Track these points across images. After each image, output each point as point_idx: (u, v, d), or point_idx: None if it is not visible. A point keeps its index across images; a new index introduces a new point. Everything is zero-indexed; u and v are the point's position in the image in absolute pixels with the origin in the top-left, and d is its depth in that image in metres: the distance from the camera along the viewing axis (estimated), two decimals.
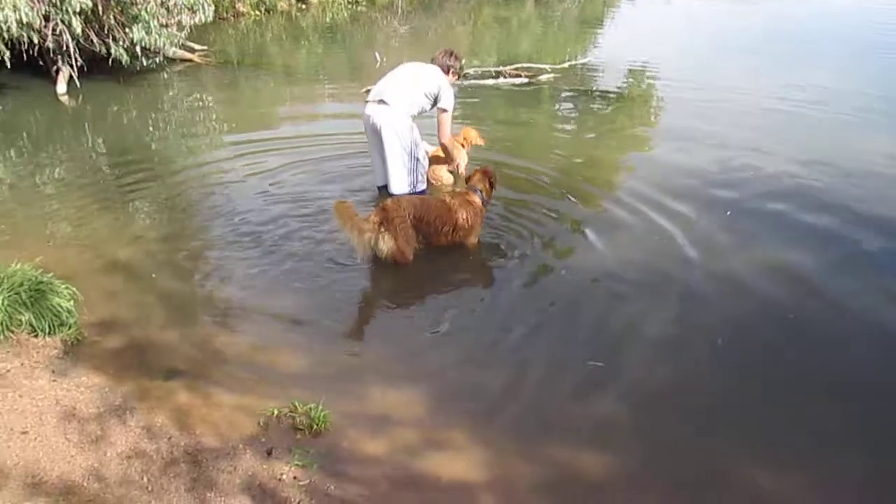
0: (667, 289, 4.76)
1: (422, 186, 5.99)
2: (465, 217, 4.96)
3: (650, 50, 13.51)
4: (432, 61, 6.03)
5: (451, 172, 6.35)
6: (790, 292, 4.74)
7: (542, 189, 6.39)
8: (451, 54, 6.06)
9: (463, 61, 6.18)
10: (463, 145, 6.41)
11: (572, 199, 6.19)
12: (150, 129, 8.51)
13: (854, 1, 21.99)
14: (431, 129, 6.23)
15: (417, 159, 5.85)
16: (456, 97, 6.10)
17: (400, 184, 5.85)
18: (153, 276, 4.80)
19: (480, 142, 6.63)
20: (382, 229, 4.64)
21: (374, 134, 5.82)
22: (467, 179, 5.29)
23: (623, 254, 5.22)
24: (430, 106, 5.93)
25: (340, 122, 8.58)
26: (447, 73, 5.99)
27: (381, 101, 5.73)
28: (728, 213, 5.88)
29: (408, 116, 5.74)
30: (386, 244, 4.65)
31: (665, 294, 4.70)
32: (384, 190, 5.99)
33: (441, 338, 4.19)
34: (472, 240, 5.12)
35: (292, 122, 8.90)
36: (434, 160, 6.38)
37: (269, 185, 6.46)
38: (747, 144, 7.77)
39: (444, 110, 5.87)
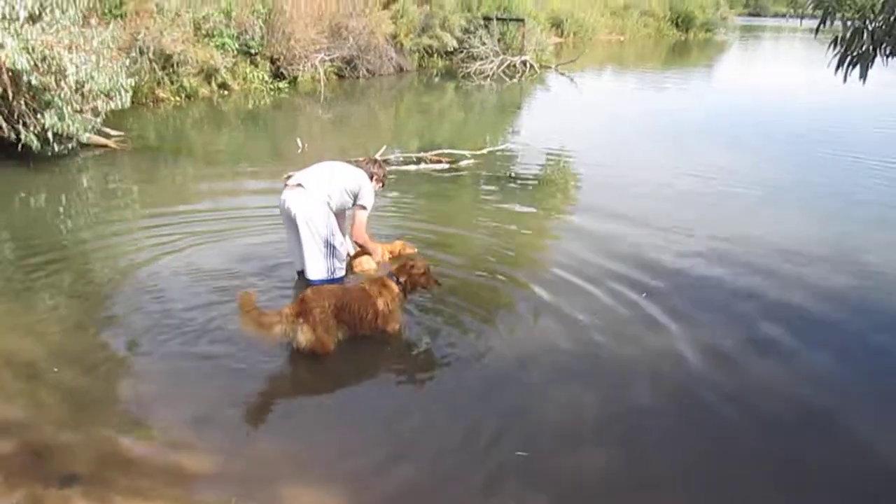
0: (592, 373, 4.79)
1: (340, 274, 5.93)
2: (384, 303, 4.91)
3: (564, 133, 14.10)
4: (357, 165, 6.16)
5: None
6: (713, 374, 4.83)
7: (464, 272, 6.42)
8: (376, 162, 6.28)
9: (387, 170, 6.39)
10: (391, 254, 6.45)
11: (496, 280, 6.25)
12: (61, 214, 8.23)
13: (753, 96, 23.54)
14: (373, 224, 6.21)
15: (334, 247, 5.81)
16: (377, 197, 6.21)
17: (316, 271, 5.79)
18: (55, 370, 4.54)
19: (410, 250, 6.67)
20: (301, 320, 4.53)
21: (289, 219, 5.78)
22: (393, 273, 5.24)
23: (544, 338, 5.26)
24: (349, 203, 6.00)
25: (261, 199, 8.59)
26: (371, 178, 6.10)
27: (298, 186, 5.72)
28: (644, 294, 6.01)
29: (324, 204, 5.73)
30: (304, 336, 4.54)
31: (590, 379, 4.72)
32: (303, 275, 5.91)
33: (359, 433, 4.05)
34: (394, 326, 5.05)
35: (211, 199, 8.81)
36: (360, 252, 6.36)
37: (185, 266, 6.32)
38: (662, 223, 8.09)
39: (363, 207, 5.97)
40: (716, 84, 26.19)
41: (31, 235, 7.25)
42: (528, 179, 10.23)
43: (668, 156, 12.38)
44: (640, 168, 11.12)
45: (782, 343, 5.39)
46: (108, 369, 4.63)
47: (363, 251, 6.32)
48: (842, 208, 9.43)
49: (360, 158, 6.37)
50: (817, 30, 5.62)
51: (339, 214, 6.04)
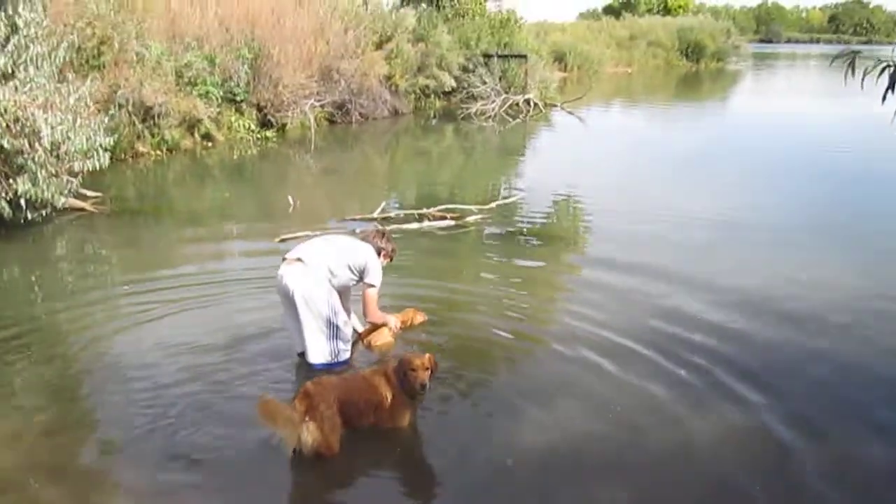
0: (622, 463, 4.65)
1: (345, 356, 5.81)
2: (389, 396, 4.77)
3: (574, 178, 14.18)
4: (363, 239, 6.09)
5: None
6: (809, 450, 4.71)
7: (477, 340, 6.33)
8: (384, 236, 6.19)
9: (394, 244, 6.28)
10: (403, 323, 6.41)
11: (516, 349, 6.20)
12: (33, 286, 8.15)
13: (766, 120, 23.71)
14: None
15: (337, 327, 5.69)
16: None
17: (319, 354, 5.68)
18: (33, 483, 4.40)
19: (422, 319, 6.64)
20: (307, 418, 4.39)
21: (287, 297, 5.68)
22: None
23: (568, 423, 5.12)
24: (353, 281, 5.91)
25: (249, 262, 8.63)
26: (379, 254, 6.03)
27: (298, 260, 5.63)
28: (682, 372, 5.89)
29: (325, 281, 5.64)
30: (311, 435, 4.39)
31: (614, 473, 4.58)
32: (303, 357, 5.80)
33: None
34: (402, 422, 4.89)
35: (195, 263, 8.77)
36: (373, 327, 6.31)
37: (166, 341, 6.26)
38: (687, 273, 8.04)
39: (371, 286, 5.88)
40: (731, 118, 26.49)
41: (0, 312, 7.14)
42: (538, 233, 10.17)
43: (685, 197, 12.43)
44: (656, 213, 11.10)
45: (876, 412, 5.29)
46: (89, 477, 4.50)
47: (375, 326, 6.27)
48: (883, 249, 9.43)
49: (366, 231, 6.27)
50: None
51: (342, 292, 5.96)
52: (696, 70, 49.87)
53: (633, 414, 5.28)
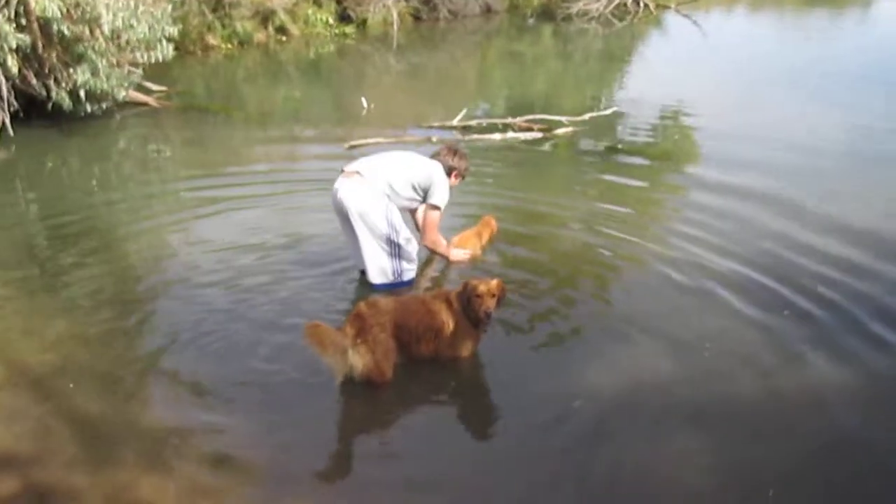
0: (710, 420, 4.39)
1: (409, 276, 5.68)
2: (450, 323, 4.60)
3: (684, 91, 13.43)
4: (433, 157, 5.88)
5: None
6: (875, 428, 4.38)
7: (557, 274, 6.08)
8: (457, 153, 5.96)
9: (468, 163, 6.05)
10: (481, 235, 6.36)
11: (595, 284, 5.90)
12: (94, 186, 8.30)
13: None
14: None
15: (399, 245, 5.52)
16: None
17: (378, 273, 5.56)
18: (70, 385, 4.47)
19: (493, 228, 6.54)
20: (358, 340, 4.29)
21: (342, 214, 5.53)
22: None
23: (654, 369, 4.87)
24: (417, 201, 5.75)
25: (320, 168, 8.49)
26: (449, 174, 5.84)
27: (356, 173, 5.46)
28: (786, 312, 5.52)
29: (383, 196, 5.45)
30: (362, 359, 4.29)
31: (710, 429, 4.32)
32: (364, 275, 5.70)
33: (425, 494, 3.80)
34: (463, 352, 4.74)
35: (265, 168, 8.77)
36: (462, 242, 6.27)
37: (231, 256, 6.22)
38: (804, 209, 7.49)
39: (435, 207, 5.71)
40: (876, 25, 24.62)
41: (58, 212, 7.33)
42: (635, 150, 9.64)
43: (811, 118, 11.58)
44: (776, 135, 10.35)
45: None
46: (130, 390, 4.51)
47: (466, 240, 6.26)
48: None
49: (440, 149, 6.01)
50: None
51: (406, 211, 5.79)
52: None
53: (725, 357, 4.99)
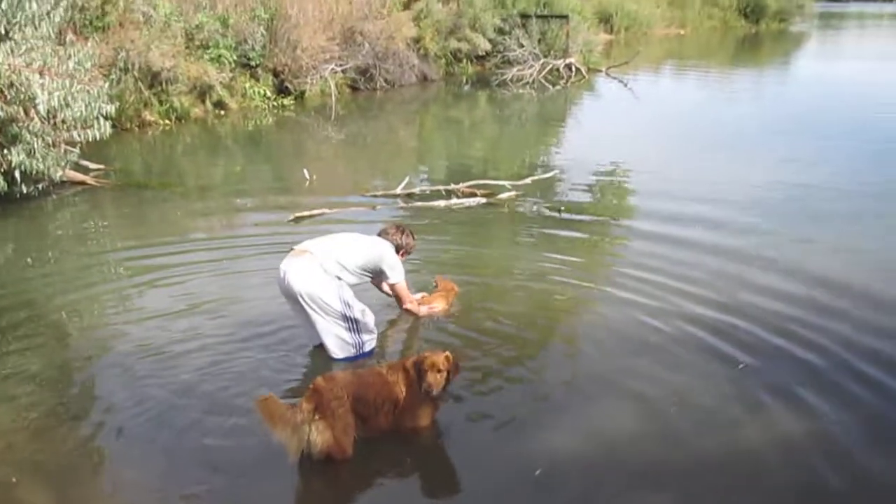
0: (679, 480, 4.45)
1: (370, 346, 5.69)
2: (408, 393, 4.59)
3: (618, 151, 13.76)
4: (382, 235, 6.08)
5: None
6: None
7: (505, 335, 6.15)
8: (403, 231, 6.17)
9: (414, 240, 6.30)
10: (447, 297, 6.58)
11: (547, 348, 5.98)
12: (28, 267, 8.08)
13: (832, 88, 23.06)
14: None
15: (355, 319, 5.54)
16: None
17: (339, 349, 5.56)
18: (13, 480, 4.33)
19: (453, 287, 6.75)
20: (316, 417, 4.24)
21: (290, 297, 5.53)
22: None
23: (614, 429, 4.93)
24: (367, 279, 5.89)
25: (263, 240, 8.49)
26: (398, 252, 6.03)
27: (306, 252, 5.44)
28: (741, 366, 5.66)
29: (333, 277, 5.46)
30: (321, 435, 4.24)
31: (681, 489, 4.38)
32: (320, 349, 5.67)
33: None
34: (422, 423, 4.72)
35: (206, 243, 8.68)
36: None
37: (173, 329, 6.20)
38: (745, 264, 7.76)
39: (395, 284, 5.99)
40: (793, 86, 25.75)
41: None
42: (579, 212, 9.82)
43: (742, 175, 11.97)
44: (710, 193, 10.71)
45: None
46: (73, 480, 4.41)
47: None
48: None
49: (387, 227, 6.25)
50: None
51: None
52: (756, 31, 48.81)
53: (692, 413, 5.07)
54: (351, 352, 5.58)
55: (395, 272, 5.93)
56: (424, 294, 6.62)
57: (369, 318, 5.70)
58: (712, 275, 7.47)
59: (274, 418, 4.17)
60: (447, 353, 4.71)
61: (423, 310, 6.31)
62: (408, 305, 6.23)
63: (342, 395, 4.37)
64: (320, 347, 5.65)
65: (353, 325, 5.56)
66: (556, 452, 4.64)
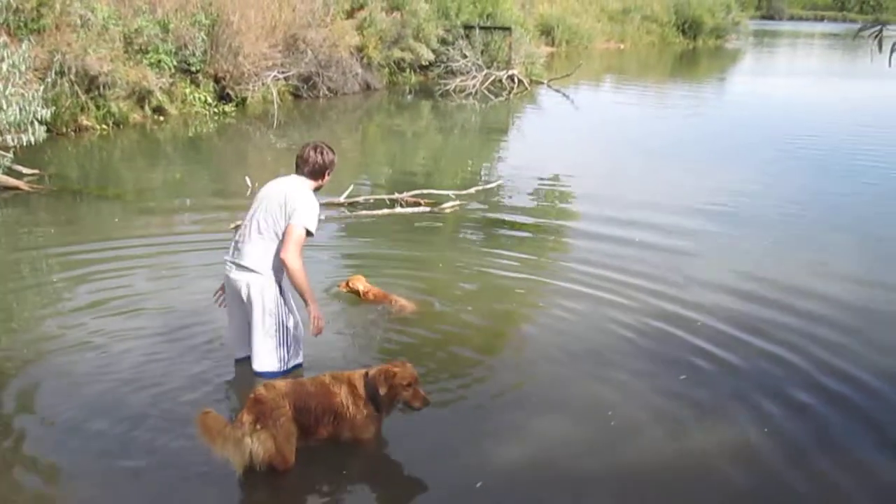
0: (624, 487, 4.53)
1: (295, 361, 5.53)
2: (350, 407, 4.56)
3: (560, 162, 14.09)
4: (302, 164, 5.38)
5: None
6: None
7: (446, 347, 6.18)
8: (317, 149, 5.39)
9: (330, 157, 5.46)
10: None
11: (485, 360, 6.04)
12: None
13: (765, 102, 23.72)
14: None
15: (288, 329, 5.43)
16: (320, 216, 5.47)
17: (268, 360, 5.39)
18: None
19: (368, 295, 6.81)
20: (258, 426, 4.20)
21: (235, 297, 5.42)
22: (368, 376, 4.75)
23: (551, 433, 5.00)
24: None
25: (201, 250, 8.33)
26: (322, 177, 5.45)
27: (243, 268, 5.29)
28: (682, 377, 5.78)
29: (274, 280, 5.31)
30: (263, 445, 4.20)
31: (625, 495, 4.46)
32: (244, 362, 5.54)
33: None
34: (365, 436, 4.70)
35: (143, 251, 8.53)
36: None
37: (106, 341, 6.11)
38: (682, 275, 7.96)
39: (294, 226, 5.16)
40: (728, 100, 26.46)
41: None
42: (521, 221, 10.00)
43: (678, 186, 12.35)
44: (648, 202, 11.00)
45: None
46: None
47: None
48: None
49: (304, 154, 5.40)
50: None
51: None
52: (693, 47, 49.94)
53: (629, 420, 5.17)
54: (277, 366, 5.39)
55: (300, 216, 5.14)
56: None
57: (300, 332, 5.53)
58: (653, 278, 7.71)
59: (214, 435, 4.13)
60: (406, 363, 4.72)
61: (309, 292, 5.30)
62: (284, 254, 5.14)
63: (283, 403, 4.34)
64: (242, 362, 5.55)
65: (284, 335, 5.40)
66: (496, 463, 4.69)
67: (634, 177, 13.17)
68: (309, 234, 5.20)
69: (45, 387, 5.40)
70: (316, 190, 5.45)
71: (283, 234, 5.15)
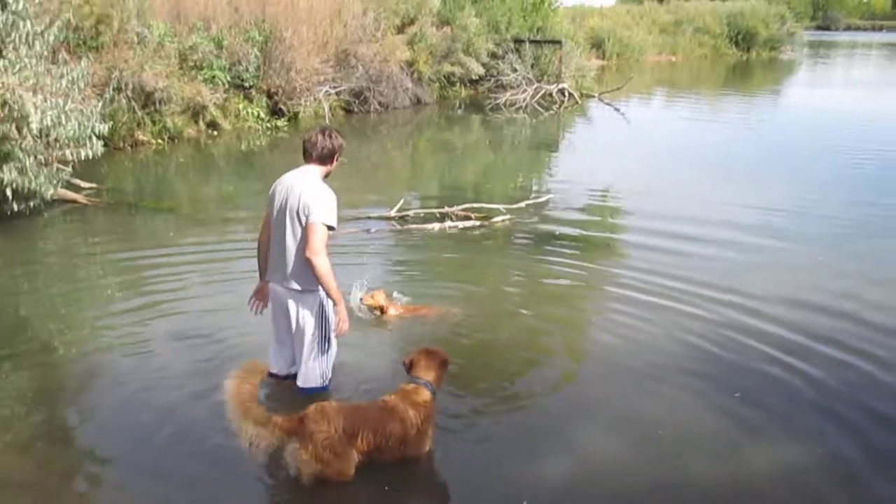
0: None
1: (328, 375, 5.44)
2: (416, 424, 4.50)
3: (612, 176, 13.83)
4: (311, 148, 5.20)
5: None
6: None
7: (499, 361, 6.09)
8: (325, 133, 5.24)
9: (343, 139, 5.35)
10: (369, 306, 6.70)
11: (539, 372, 5.96)
12: (19, 287, 8.02)
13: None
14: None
15: (331, 342, 5.34)
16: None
17: (312, 376, 5.34)
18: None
19: (389, 312, 6.74)
20: (297, 446, 4.16)
21: (280, 311, 5.36)
22: (410, 365, 4.83)
23: (600, 452, 4.88)
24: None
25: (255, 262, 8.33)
26: (331, 161, 5.27)
27: (288, 284, 5.20)
28: (737, 394, 5.62)
29: (318, 294, 5.19)
30: (304, 466, 4.19)
31: None
32: (285, 380, 5.48)
33: None
34: (424, 448, 4.65)
35: (198, 265, 8.60)
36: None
37: (163, 356, 6.13)
38: (738, 290, 7.71)
39: (313, 224, 4.99)
40: (784, 113, 25.93)
41: None
42: (572, 237, 9.83)
43: (735, 200, 11.96)
44: (704, 217, 10.70)
45: None
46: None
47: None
48: None
49: (313, 138, 5.24)
50: None
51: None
52: (747, 59, 49.25)
53: (680, 438, 5.04)
54: (318, 383, 5.34)
55: (316, 212, 4.96)
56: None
57: (335, 348, 5.43)
58: (707, 298, 7.46)
59: (242, 411, 4.14)
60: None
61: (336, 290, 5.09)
62: (310, 253, 4.97)
63: (330, 429, 4.22)
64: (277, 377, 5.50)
65: (325, 346, 5.31)
66: (542, 479, 4.60)
67: (687, 190, 12.91)
68: (330, 228, 5.04)
69: (100, 395, 5.52)
70: (325, 176, 5.26)
71: (305, 235, 5.01)
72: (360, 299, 6.73)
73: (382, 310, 6.76)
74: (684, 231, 9.85)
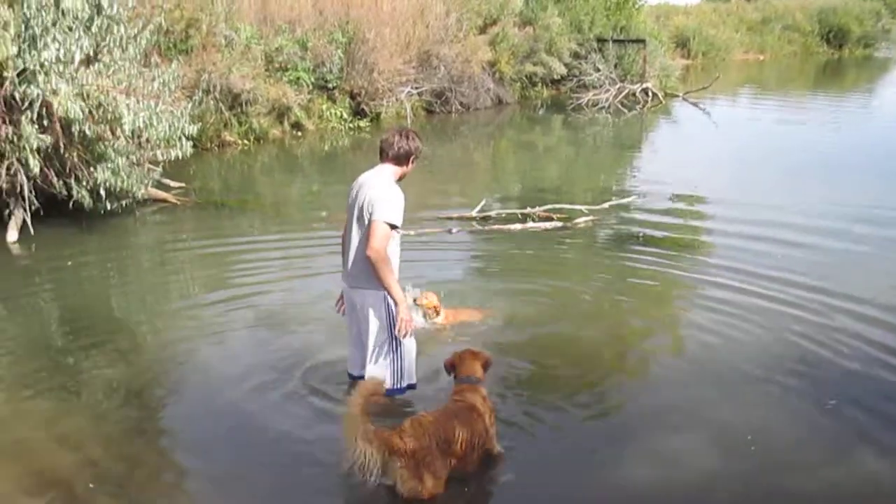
0: None
1: (407, 381, 5.27)
2: (490, 421, 4.47)
3: (697, 178, 13.36)
4: (387, 148, 5.11)
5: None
6: None
7: (587, 365, 5.96)
8: (402, 134, 5.15)
9: (421, 141, 5.23)
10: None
11: (623, 377, 5.78)
12: (112, 283, 8.27)
13: None
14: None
15: (403, 345, 5.17)
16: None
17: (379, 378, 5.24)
18: (91, 486, 4.37)
19: (436, 314, 6.61)
20: (398, 464, 4.10)
21: (352, 311, 5.30)
22: (453, 366, 4.77)
23: (688, 459, 4.71)
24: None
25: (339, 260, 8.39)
26: (406, 163, 5.15)
27: (356, 283, 5.13)
28: (832, 402, 5.37)
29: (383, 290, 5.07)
30: (405, 484, 4.11)
31: None
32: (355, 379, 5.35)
33: None
34: (495, 447, 4.60)
35: (283, 262, 8.78)
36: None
37: (254, 354, 6.23)
38: (832, 294, 7.41)
39: (376, 221, 4.90)
40: (878, 114, 24.85)
41: (78, 311, 7.33)
42: (656, 239, 9.56)
43: (827, 202, 11.47)
44: (795, 221, 10.29)
45: None
46: (147, 492, 4.42)
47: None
48: None
49: (391, 139, 5.12)
50: None
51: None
52: (839, 57, 47.53)
53: (770, 448, 4.83)
54: (389, 384, 5.15)
55: (380, 210, 4.88)
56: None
57: (412, 351, 5.28)
58: (798, 305, 7.16)
59: (359, 435, 4.03)
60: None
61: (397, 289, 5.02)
62: (370, 251, 4.88)
63: (430, 442, 4.15)
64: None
65: (397, 347, 5.17)
66: (627, 485, 4.48)
67: (773, 193, 12.35)
68: (393, 227, 4.95)
69: (190, 391, 5.70)
70: (401, 178, 5.15)
71: (368, 232, 4.94)
72: (415, 300, 6.49)
73: (437, 310, 6.63)
74: (768, 234, 9.50)
